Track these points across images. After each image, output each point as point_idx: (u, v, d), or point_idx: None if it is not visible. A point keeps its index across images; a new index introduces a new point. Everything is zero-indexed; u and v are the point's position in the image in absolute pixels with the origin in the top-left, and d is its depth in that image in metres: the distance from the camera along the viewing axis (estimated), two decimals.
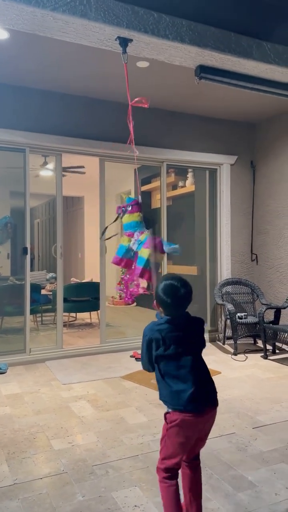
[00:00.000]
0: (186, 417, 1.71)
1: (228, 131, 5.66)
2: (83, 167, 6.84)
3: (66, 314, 6.35)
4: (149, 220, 3.05)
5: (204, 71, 3.19)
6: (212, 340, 5.55)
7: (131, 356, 4.75)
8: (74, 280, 7.35)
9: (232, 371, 4.28)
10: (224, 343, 5.35)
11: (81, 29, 2.66)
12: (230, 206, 5.65)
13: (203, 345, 1.85)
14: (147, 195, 7.17)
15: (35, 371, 4.30)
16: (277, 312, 4.97)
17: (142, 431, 2.88)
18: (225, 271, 5.63)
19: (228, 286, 5.53)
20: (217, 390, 1.82)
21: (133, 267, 2.86)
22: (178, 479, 1.81)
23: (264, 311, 4.84)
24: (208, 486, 2.19)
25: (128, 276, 2.93)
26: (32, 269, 8.14)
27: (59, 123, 4.65)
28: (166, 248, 2.72)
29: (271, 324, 4.87)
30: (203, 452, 1.91)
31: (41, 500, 2.11)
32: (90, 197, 9.02)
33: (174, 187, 6.72)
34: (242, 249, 5.76)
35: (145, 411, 3.23)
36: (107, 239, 3.31)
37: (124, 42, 2.78)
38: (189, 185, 6.37)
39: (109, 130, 4.84)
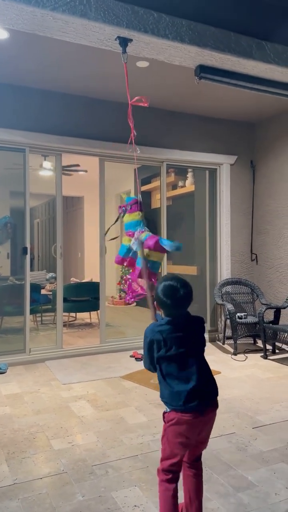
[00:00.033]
0: (184, 416, 1.71)
1: (228, 131, 5.66)
2: (78, 165, 6.83)
3: (66, 314, 6.35)
4: (149, 220, 3.06)
5: (204, 71, 3.19)
6: (212, 340, 5.55)
7: (131, 356, 4.75)
8: (74, 280, 7.35)
9: (232, 371, 4.29)
10: (224, 343, 5.35)
11: (81, 29, 2.66)
12: (230, 206, 5.65)
13: (203, 344, 1.84)
14: (147, 195, 7.17)
15: (35, 371, 4.30)
16: (277, 312, 4.97)
17: (142, 431, 2.88)
18: (225, 271, 5.63)
19: (228, 286, 5.53)
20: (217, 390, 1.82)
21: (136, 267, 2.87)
22: (178, 479, 1.81)
23: (264, 311, 4.84)
24: (208, 486, 2.19)
25: (129, 276, 2.93)
26: (32, 269, 8.14)
27: (59, 123, 4.65)
28: (167, 246, 2.71)
29: (271, 324, 4.87)
30: (203, 452, 1.91)
31: (41, 500, 2.11)
32: (90, 197, 9.02)
33: (174, 187, 6.72)
34: (242, 249, 5.76)
35: (145, 411, 3.23)
36: (111, 239, 3.31)
37: (124, 42, 2.78)
38: (189, 185, 6.38)
39: (109, 130, 4.84)
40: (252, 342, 5.49)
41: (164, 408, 1.80)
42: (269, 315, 5.06)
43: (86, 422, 3.05)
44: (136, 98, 2.96)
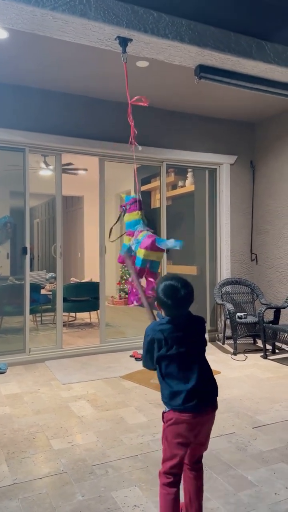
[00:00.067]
0: (183, 416, 1.70)
1: (228, 130, 5.66)
2: (71, 164, 6.82)
3: (66, 314, 6.35)
4: (150, 220, 3.06)
5: (203, 70, 3.19)
6: (212, 340, 5.55)
7: (131, 356, 4.75)
8: (73, 280, 7.35)
9: (232, 371, 4.28)
10: (223, 343, 5.35)
11: (81, 28, 2.66)
12: (230, 206, 5.65)
13: (204, 344, 1.83)
14: (147, 194, 7.17)
15: (35, 371, 4.30)
16: (277, 312, 4.97)
17: (141, 431, 2.88)
18: (224, 271, 5.63)
19: (227, 286, 5.53)
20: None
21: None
22: (179, 483, 1.80)
23: (264, 311, 4.84)
24: (208, 486, 2.19)
25: (131, 279, 2.93)
26: (31, 269, 8.13)
27: (59, 123, 4.65)
28: (162, 245, 2.70)
29: (270, 324, 4.86)
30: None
31: (40, 500, 2.11)
32: (90, 196, 9.02)
33: (174, 187, 6.72)
34: (241, 249, 5.76)
35: (144, 411, 3.23)
36: (113, 241, 3.30)
37: (123, 41, 2.78)
38: (188, 185, 6.37)
39: (109, 130, 4.84)
40: (252, 342, 5.49)
41: (163, 408, 1.80)
42: (269, 315, 5.06)
43: (86, 422, 3.05)
44: (136, 97, 2.96)
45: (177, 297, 1.73)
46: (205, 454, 1.90)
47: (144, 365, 1.82)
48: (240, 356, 4.82)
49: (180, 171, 6.51)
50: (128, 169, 6.42)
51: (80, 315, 7.05)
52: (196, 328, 1.82)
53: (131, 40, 2.79)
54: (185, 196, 6.37)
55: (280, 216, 5.40)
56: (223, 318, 5.47)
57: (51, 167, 6.60)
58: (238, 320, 4.94)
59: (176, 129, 5.30)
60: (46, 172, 6.86)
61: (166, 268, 5.39)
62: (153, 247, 2.71)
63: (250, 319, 5.11)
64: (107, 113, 4.87)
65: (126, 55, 2.85)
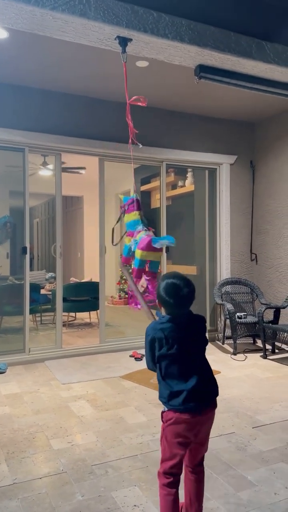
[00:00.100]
0: (182, 416, 1.69)
1: (227, 130, 5.66)
2: (64, 162, 6.81)
3: (66, 313, 6.35)
4: (150, 220, 3.05)
5: (203, 70, 3.19)
6: (212, 340, 5.55)
7: (131, 356, 4.75)
8: (73, 279, 7.35)
9: (232, 370, 4.29)
10: (223, 343, 5.35)
11: (81, 28, 2.66)
12: (229, 206, 5.65)
13: (205, 343, 1.82)
14: (146, 194, 7.17)
15: (35, 370, 4.30)
16: (277, 311, 4.97)
17: (141, 431, 2.88)
18: (224, 270, 5.63)
19: (227, 286, 5.53)
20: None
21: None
22: (178, 483, 1.80)
23: (264, 310, 4.84)
24: (208, 486, 2.19)
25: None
26: (31, 269, 8.14)
27: (59, 123, 4.65)
28: (157, 245, 2.69)
29: (270, 324, 4.87)
30: None
31: (40, 500, 2.11)
32: (90, 196, 9.02)
33: (174, 186, 6.72)
34: (241, 249, 5.76)
35: (144, 411, 3.23)
36: (115, 244, 3.29)
37: (123, 41, 2.78)
38: (188, 184, 6.37)
39: (109, 130, 4.84)
40: (252, 341, 5.49)
41: (163, 407, 1.79)
42: (269, 315, 5.06)
43: (85, 422, 3.05)
44: (134, 97, 2.96)
45: (179, 296, 1.71)
46: (205, 454, 1.90)
47: (149, 367, 1.80)
48: (240, 356, 4.82)
49: (180, 171, 6.52)
50: (128, 169, 6.40)
51: (79, 315, 7.05)
52: (197, 327, 1.80)
53: (131, 40, 2.79)
54: (185, 196, 6.37)
55: (280, 216, 5.40)
56: (222, 318, 5.47)
57: (50, 166, 6.60)
58: (237, 320, 4.94)
59: (176, 129, 5.30)
60: (46, 172, 6.85)
61: (166, 268, 5.39)
62: (149, 247, 2.70)
63: (250, 319, 5.11)
64: (107, 113, 4.87)
65: (126, 55, 2.85)
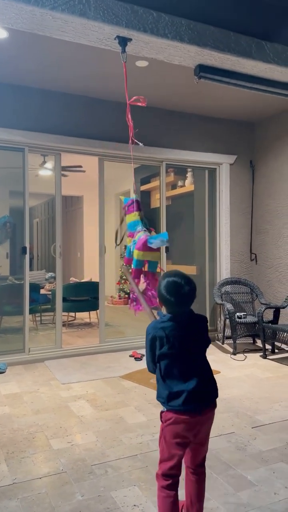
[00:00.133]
0: (182, 416, 1.68)
1: (227, 130, 5.66)
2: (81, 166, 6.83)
3: (65, 313, 6.35)
4: (150, 220, 3.05)
5: (203, 70, 3.19)
6: (211, 340, 5.54)
7: (131, 356, 4.75)
8: (73, 279, 7.35)
9: (231, 370, 4.29)
10: (223, 343, 5.35)
11: (80, 28, 2.66)
12: (229, 206, 5.65)
13: (207, 343, 1.80)
14: (146, 194, 7.17)
15: (34, 370, 4.30)
16: (276, 311, 4.97)
17: (141, 431, 2.88)
18: (224, 270, 5.63)
19: (227, 286, 5.53)
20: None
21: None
22: (178, 485, 1.79)
23: (263, 310, 4.84)
24: (208, 486, 2.18)
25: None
26: (31, 269, 8.14)
27: (58, 122, 4.65)
28: (152, 245, 2.68)
29: (270, 324, 4.87)
30: None
31: (40, 500, 2.11)
32: (89, 196, 9.02)
33: (174, 186, 6.72)
34: (241, 249, 5.76)
35: (144, 411, 3.23)
36: (118, 244, 3.30)
37: (123, 41, 2.78)
38: (188, 184, 6.38)
39: (109, 130, 4.84)
40: (252, 341, 5.49)
41: (162, 407, 1.79)
42: (269, 315, 5.06)
43: (85, 422, 3.05)
44: (134, 97, 2.96)
45: (180, 294, 1.70)
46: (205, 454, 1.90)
47: (149, 368, 1.77)
48: (240, 356, 4.82)
49: (180, 171, 6.52)
50: (128, 169, 6.41)
51: (79, 315, 7.05)
52: (198, 327, 1.78)
53: (130, 39, 2.79)
54: (185, 196, 6.37)
55: (280, 216, 5.40)
56: (222, 317, 5.47)
57: (49, 166, 6.60)
58: (237, 319, 4.94)
59: (175, 128, 5.30)
60: (45, 172, 6.85)
61: (165, 268, 5.39)
62: (145, 247, 2.70)
63: (250, 319, 5.11)
64: (107, 113, 4.87)
65: (125, 54, 2.85)
